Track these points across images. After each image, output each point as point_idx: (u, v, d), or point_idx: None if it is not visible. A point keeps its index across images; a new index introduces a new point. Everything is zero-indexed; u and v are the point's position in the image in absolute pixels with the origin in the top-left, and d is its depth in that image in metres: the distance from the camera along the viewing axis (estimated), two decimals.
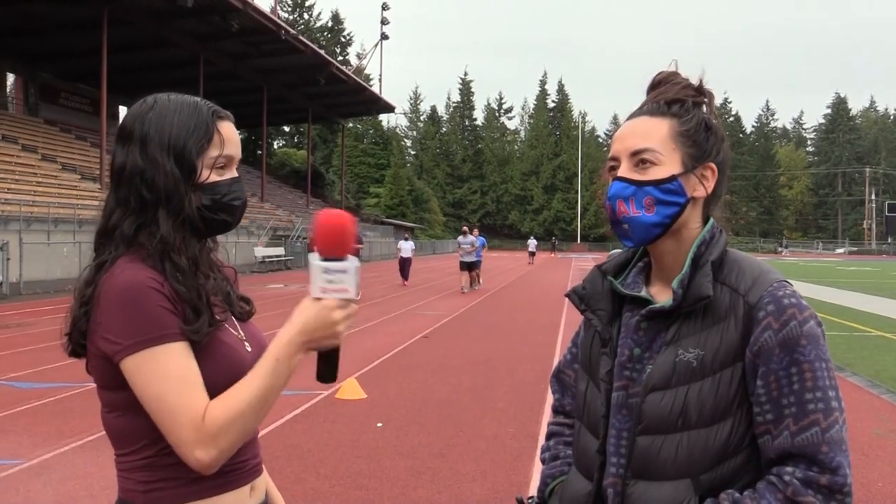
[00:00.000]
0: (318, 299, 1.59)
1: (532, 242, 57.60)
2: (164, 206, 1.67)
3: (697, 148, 1.62)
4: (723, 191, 1.69)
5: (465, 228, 27.82)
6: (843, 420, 1.48)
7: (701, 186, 1.63)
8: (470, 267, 26.23)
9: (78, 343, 1.69)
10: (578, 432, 1.74)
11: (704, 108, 1.67)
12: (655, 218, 1.59)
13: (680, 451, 1.52)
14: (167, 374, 1.57)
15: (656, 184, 1.59)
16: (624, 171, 1.62)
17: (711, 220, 1.66)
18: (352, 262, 1.60)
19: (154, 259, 1.65)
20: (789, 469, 1.45)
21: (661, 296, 1.64)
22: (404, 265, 29.52)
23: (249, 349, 1.77)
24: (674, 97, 1.64)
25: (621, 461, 1.59)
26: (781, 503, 1.44)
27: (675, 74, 1.68)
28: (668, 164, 1.60)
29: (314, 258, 1.58)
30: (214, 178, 1.72)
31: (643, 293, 1.66)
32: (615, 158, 1.65)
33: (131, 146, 1.70)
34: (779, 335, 1.48)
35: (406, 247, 29.81)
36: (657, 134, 1.61)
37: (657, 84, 1.68)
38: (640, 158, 1.61)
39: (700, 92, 1.66)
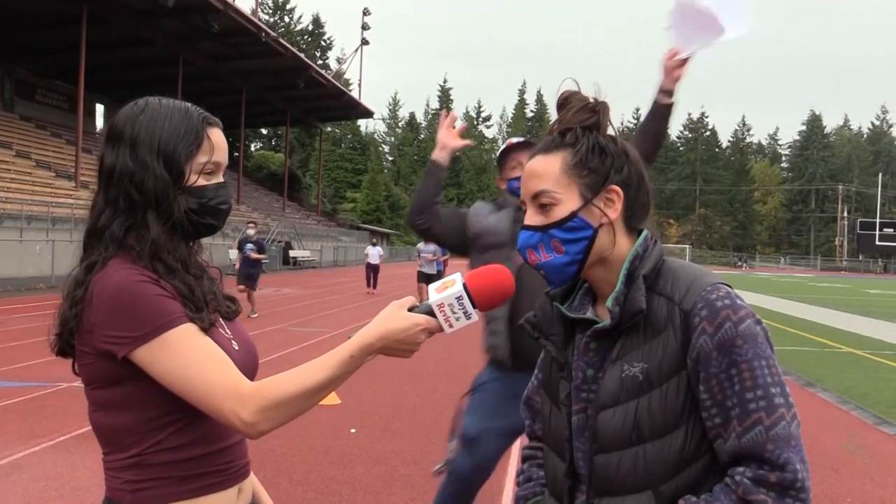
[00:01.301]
0: (411, 311, 1.65)
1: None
2: (154, 209, 1.71)
3: (594, 174, 1.60)
4: (647, 201, 1.67)
5: None
6: (792, 416, 1.48)
7: (607, 212, 1.61)
8: (429, 280, 21.21)
9: (66, 343, 1.70)
10: (546, 456, 1.75)
11: (599, 129, 1.64)
12: (566, 258, 1.60)
13: (637, 464, 1.53)
14: (189, 354, 1.61)
15: (558, 225, 1.60)
16: (529, 217, 1.64)
17: (644, 232, 1.65)
18: (476, 317, 1.66)
19: (145, 260, 1.68)
20: (740, 469, 1.46)
21: (607, 314, 1.62)
22: (372, 272, 28.27)
23: (237, 347, 1.80)
24: (565, 126, 1.63)
25: (586, 482, 1.61)
26: (735, 503, 1.45)
27: (573, 96, 1.66)
28: (567, 202, 1.60)
29: (458, 286, 1.64)
30: (202, 182, 1.75)
31: (589, 314, 1.67)
32: (523, 202, 1.67)
33: (121, 148, 1.73)
34: (714, 338, 1.48)
35: (373, 253, 28.37)
36: (550, 172, 1.61)
37: (559, 108, 1.68)
38: (539, 202, 1.62)
39: (593, 111, 1.64)
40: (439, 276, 21.92)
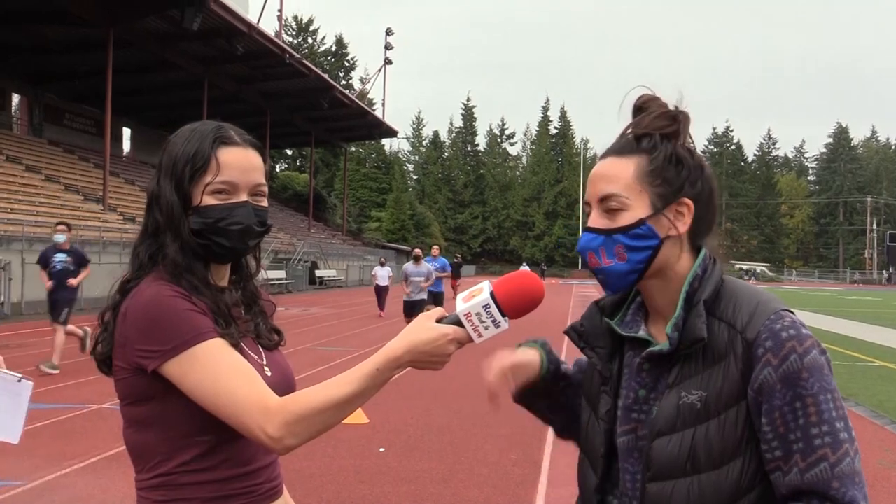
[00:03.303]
0: (440, 322, 1.63)
1: (524, 268, 59.40)
2: (169, 231, 1.75)
3: (668, 185, 1.55)
4: (712, 219, 1.63)
5: (418, 251, 18.68)
6: (855, 450, 1.42)
7: (676, 224, 1.57)
8: (412, 310, 17.29)
9: (104, 363, 1.76)
10: (582, 463, 1.72)
11: (678, 138, 1.60)
12: (627, 266, 1.54)
13: (692, 494, 1.47)
14: (217, 367, 1.62)
15: (624, 231, 1.54)
16: (593, 219, 1.58)
17: (703, 252, 1.60)
18: (506, 325, 1.64)
19: (174, 278, 1.71)
20: None
21: (661, 335, 1.58)
22: (381, 294, 25.84)
23: (269, 374, 1.80)
24: (643, 131, 1.58)
25: None
26: None
27: (653, 100, 1.62)
28: (636, 208, 1.54)
29: (486, 294, 1.61)
30: (211, 202, 1.76)
31: (641, 333, 1.62)
32: (588, 203, 1.61)
33: (154, 174, 1.81)
34: (779, 371, 1.43)
35: (382, 274, 25.97)
36: (623, 176, 1.55)
37: (638, 110, 1.63)
38: (607, 205, 1.56)
39: (674, 119, 1.59)
40: (437, 299, 17.98)
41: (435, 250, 19.77)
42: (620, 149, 1.59)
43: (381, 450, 7.41)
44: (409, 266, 18.03)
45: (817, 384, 1.43)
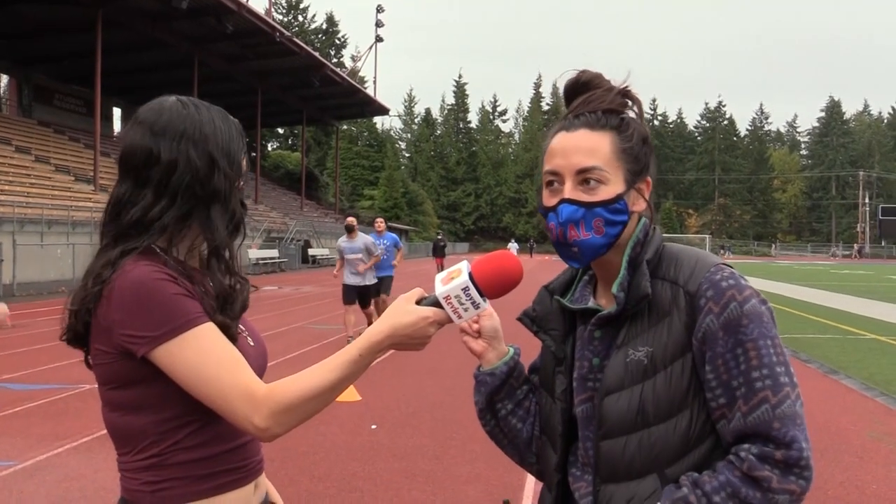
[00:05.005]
0: (420, 303, 1.63)
1: (513, 246, 61.73)
2: (221, 205, 1.74)
3: (637, 163, 1.60)
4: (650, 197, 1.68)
5: (351, 220, 13.42)
6: (797, 395, 1.48)
7: (640, 200, 1.62)
8: (363, 296, 13.13)
9: (75, 333, 1.69)
10: (543, 445, 1.76)
11: (635, 118, 1.64)
12: (604, 239, 1.57)
13: (643, 448, 1.52)
14: (206, 355, 1.61)
15: (605, 205, 1.56)
16: (570, 191, 1.57)
17: (643, 220, 1.64)
18: (486, 306, 1.63)
19: (167, 258, 1.67)
20: (745, 446, 1.45)
21: (609, 304, 1.62)
22: None
23: (252, 343, 1.82)
24: (608, 107, 1.60)
25: (592, 470, 1.61)
26: (739, 479, 1.44)
27: (601, 77, 1.64)
28: (614, 183, 1.57)
29: (464, 277, 1.60)
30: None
31: (591, 304, 1.66)
32: (556, 174, 1.60)
33: (182, 144, 1.69)
34: (720, 318, 1.48)
35: None
36: (602, 151, 1.57)
37: (584, 85, 1.65)
38: (585, 178, 1.57)
39: (630, 98, 1.63)
40: (381, 285, 13.58)
41: (379, 224, 14.52)
42: (591, 123, 1.60)
43: (373, 427, 7.43)
44: (342, 241, 13.31)
45: (757, 330, 1.48)
